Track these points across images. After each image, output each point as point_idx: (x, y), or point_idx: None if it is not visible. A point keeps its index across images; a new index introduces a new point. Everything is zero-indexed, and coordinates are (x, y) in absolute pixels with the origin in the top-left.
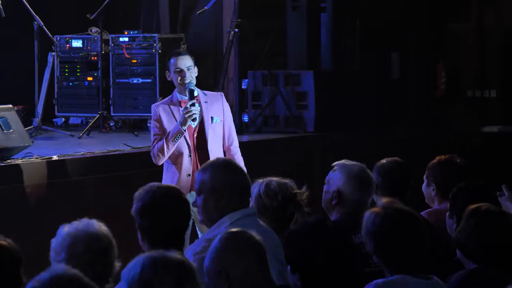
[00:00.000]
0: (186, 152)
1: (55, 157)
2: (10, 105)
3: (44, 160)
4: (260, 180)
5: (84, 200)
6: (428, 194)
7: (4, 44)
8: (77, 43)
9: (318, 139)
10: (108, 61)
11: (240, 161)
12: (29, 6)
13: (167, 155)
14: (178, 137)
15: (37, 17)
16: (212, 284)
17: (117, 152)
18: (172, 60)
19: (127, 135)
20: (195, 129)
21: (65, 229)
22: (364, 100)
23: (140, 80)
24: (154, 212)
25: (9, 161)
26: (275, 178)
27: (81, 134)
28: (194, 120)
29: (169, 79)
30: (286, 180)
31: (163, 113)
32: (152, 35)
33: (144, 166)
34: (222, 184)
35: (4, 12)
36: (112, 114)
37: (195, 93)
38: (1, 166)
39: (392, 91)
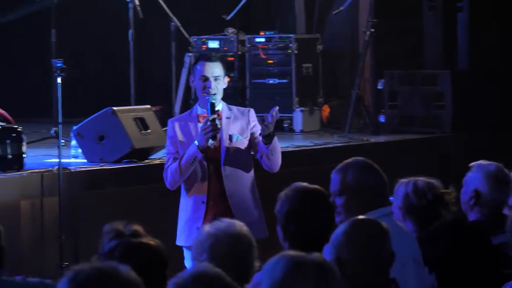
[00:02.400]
0: (200, 175)
1: None
2: (148, 106)
3: None
4: (405, 180)
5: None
6: None
7: (142, 45)
8: (213, 44)
9: (455, 140)
10: (244, 61)
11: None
12: (166, 7)
13: (180, 179)
14: (194, 160)
15: (174, 18)
16: None
17: None
18: (198, 65)
19: None
20: (210, 150)
21: (207, 229)
22: (502, 100)
23: (276, 81)
24: (301, 218)
25: (147, 161)
26: (421, 178)
27: None
28: (214, 138)
29: (192, 85)
30: (432, 180)
31: (179, 130)
32: (288, 35)
33: (283, 166)
34: (366, 183)
35: (142, 13)
36: None
37: (218, 108)
38: (139, 166)
39: None
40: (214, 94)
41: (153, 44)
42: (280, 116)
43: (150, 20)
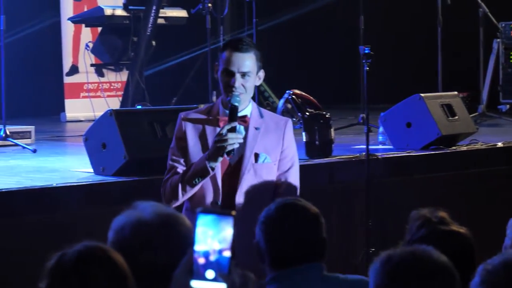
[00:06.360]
0: (211, 197)
1: (499, 144)
2: (455, 92)
3: (489, 147)
4: None
5: None
6: None
7: (449, 31)
8: None
9: None
10: None
11: None
12: None
13: (181, 199)
14: (199, 179)
15: (482, 4)
16: None
17: None
18: (224, 54)
19: None
20: (229, 165)
21: None
22: None
23: None
24: None
25: (454, 147)
26: None
27: None
28: (229, 154)
29: (215, 76)
30: None
31: (192, 131)
32: None
33: None
34: None
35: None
36: None
37: (245, 113)
38: (447, 153)
39: None
40: (239, 95)
41: (461, 30)
42: None
43: (458, 6)
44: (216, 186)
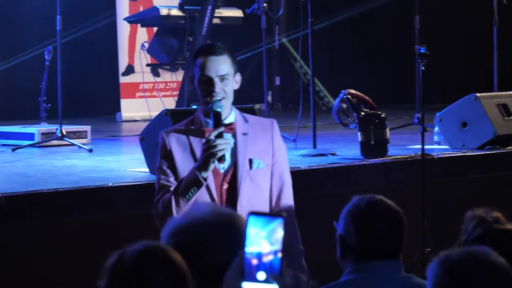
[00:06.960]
0: None
1: None
2: (511, 92)
3: None
4: None
5: None
6: None
7: (505, 30)
8: None
9: None
10: None
11: (292, 235)
12: None
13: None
14: (193, 191)
15: None
16: None
17: None
18: (198, 61)
19: None
20: (225, 176)
21: None
22: None
23: None
24: None
25: (509, 147)
26: None
27: None
28: (220, 160)
29: (191, 87)
30: None
31: (177, 146)
32: None
33: None
34: None
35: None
36: None
37: (229, 120)
38: (502, 152)
39: None
40: (221, 99)
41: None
42: None
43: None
44: (212, 199)
